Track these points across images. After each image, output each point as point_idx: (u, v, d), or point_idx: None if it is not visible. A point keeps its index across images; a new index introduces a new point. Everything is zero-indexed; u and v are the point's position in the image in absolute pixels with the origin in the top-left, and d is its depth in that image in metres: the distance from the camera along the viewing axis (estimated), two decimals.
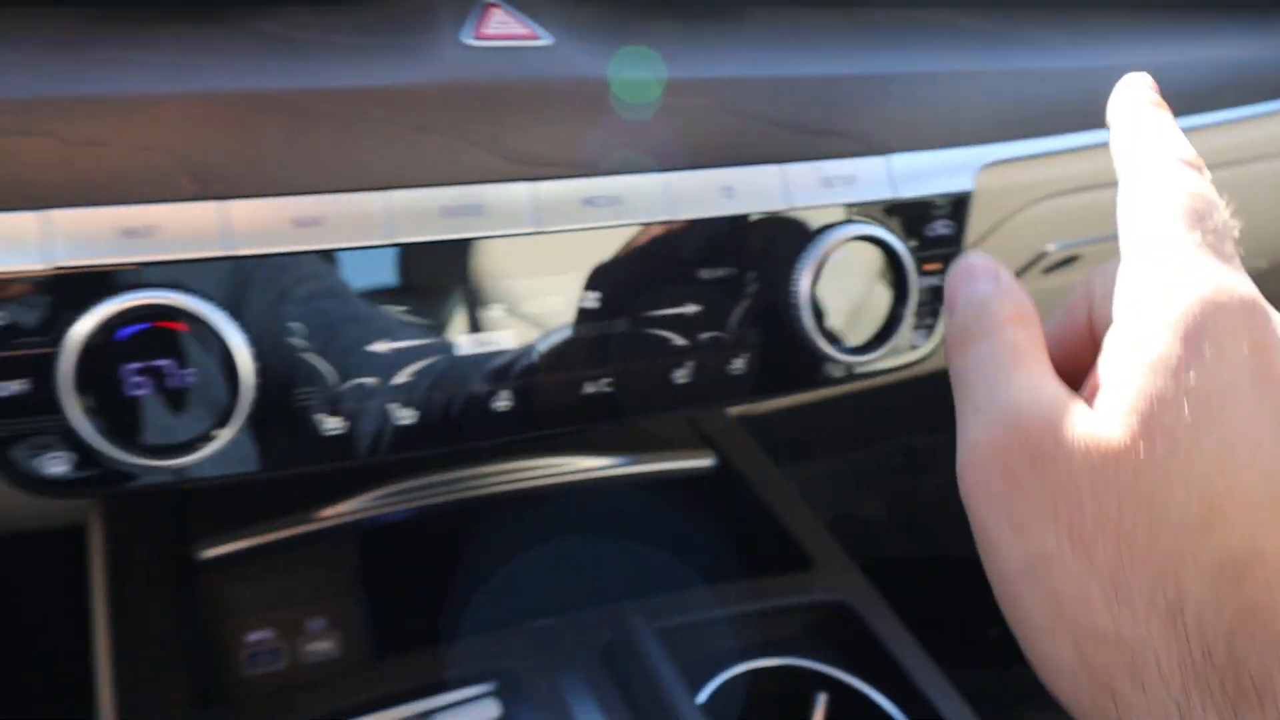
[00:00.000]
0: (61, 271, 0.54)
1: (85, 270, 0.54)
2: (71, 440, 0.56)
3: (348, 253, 0.59)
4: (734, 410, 1.20)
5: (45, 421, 0.56)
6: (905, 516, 2.09)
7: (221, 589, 0.89)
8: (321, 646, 0.89)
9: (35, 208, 0.53)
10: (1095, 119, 0.82)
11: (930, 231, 0.76)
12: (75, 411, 0.55)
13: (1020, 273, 1.00)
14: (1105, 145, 0.85)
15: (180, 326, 0.56)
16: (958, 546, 2.00)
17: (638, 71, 0.65)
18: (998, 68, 0.79)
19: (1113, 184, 0.92)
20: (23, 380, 0.55)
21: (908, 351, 0.77)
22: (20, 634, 1.58)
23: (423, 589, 0.92)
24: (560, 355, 0.66)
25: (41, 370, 0.55)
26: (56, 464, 0.57)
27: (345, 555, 0.91)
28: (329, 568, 0.91)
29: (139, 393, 0.56)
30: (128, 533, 0.88)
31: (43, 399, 0.55)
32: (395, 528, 0.90)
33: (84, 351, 0.54)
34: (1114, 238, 1.04)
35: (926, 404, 2.08)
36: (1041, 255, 0.98)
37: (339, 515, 0.87)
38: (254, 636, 0.89)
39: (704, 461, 0.97)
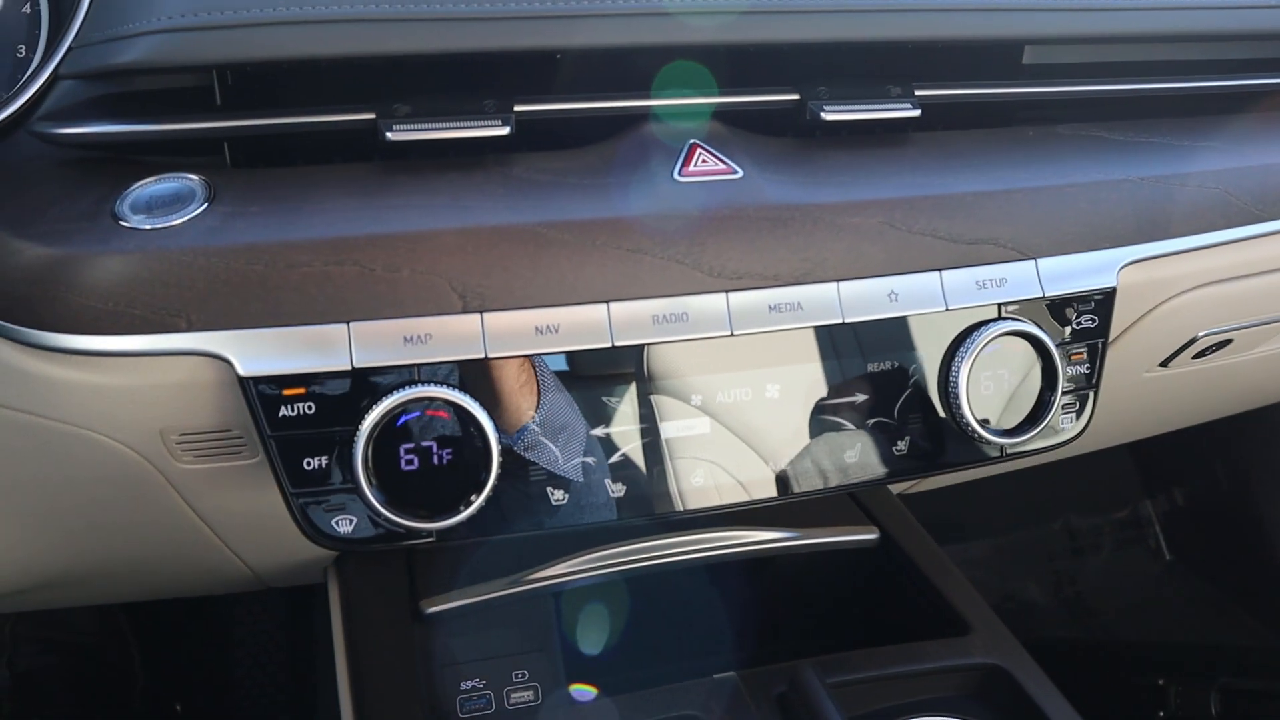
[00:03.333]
0: (359, 370, 0.68)
1: (376, 369, 0.69)
2: (359, 505, 0.71)
3: (577, 354, 0.72)
4: (900, 489, 1.28)
5: (340, 489, 0.70)
6: (1067, 598, 2.08)
7: (439, 641, 1.02)
8: (525, 695, 1.01)
9: (341, 321, 0.68)
10: (1235, 216, 0.89)
11: (1077, 324, 0.84)
12: (364, 483, 0.69)
13: (1171, 358, 1.05)
14: (1248, 239, 0.91)
15: (444, 415, 0.70)
16: (1123, 629, 1.98)
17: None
18: (1138, 174, 0.86)
19: (1260, 274, 0.98)
20: (327, 456, 0.69)
21: (1056, 434, 0.85)
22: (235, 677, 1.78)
23: (612, 645, 1.02)
24: (748, 438, 0.77)
25: (340, 449, 0.69)
26: (345, 524, 0.71)
27: (545, 614, 1.03)
28: (531, 625, 1.03)
29: (410, 468, 0.70)
30: (362, 590, 1.02)
31: (340, 472, 0.69)
32: (589, 591, 1.02)
33: (372, 435, 0.69)
34: (1265, 322, 1.08)
35: (1086, 484, 2.08)
36: (1192, 341, 1.03)
37: (543, 579, 0.99)
38: (467, 684, 1.01)
39: (868, 535, 1.05)
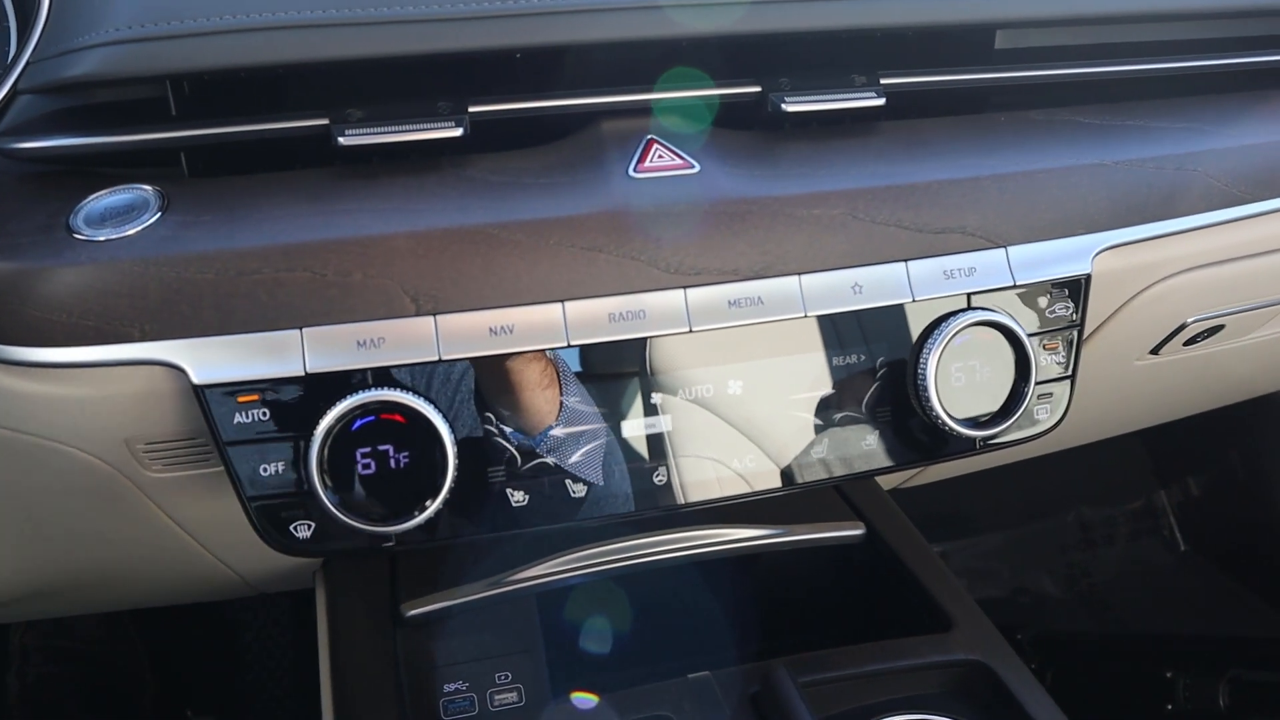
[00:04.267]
0: (312, 375, 0.68)
1: (329, 374, 0.69)
2: (315, 510, 0.71)
3: (534, 354, 0.72)
4: (894, 484, 1.27)
5: (296, 494, 0.70)
6: (1081, 590, 2.05)
7: (422, 643, 1.02)
8: (508, 697, 1.01)
9: (294, 327, 0.68)
10: (1214, 199, 0.88)
11: (1050, 312, 0.82)
12: (319, 487, 0.69)
13: (1161, 345, 1.03)
14: (1231, 222, 0.89)
15: (399, 418, 0.70)
16: (1136, 621, 1.96)
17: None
18: (1113, 159, 0.85)
19: (1248, 257, 0.96)
20: (282, 462, 0.69)
21: (1030, 425, 0.83)
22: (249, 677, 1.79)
23: (593, 645, 1.02)
24: (710, 435, 0.76)
25: (295, 454, 0.69)
26: (304, 529, 0.71)
27: (527, 615, 1.03)
28: (514, 626, 1.02)
29: (366, 472, 0.70)
30: (346, 594, 1.02)
31: (296, 477, 0.69)
32: (570, 591, 1.01)
33: (326, 439, 0.69)
34: (1257, 306, 1.06)
35: (1099, 474, 2.05)
36: (1182, 327, 1.01)
37: (523, 580, 0.99)
38: (450, 687, 1.00)
39: (854, 531, 1.04)
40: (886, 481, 1.20)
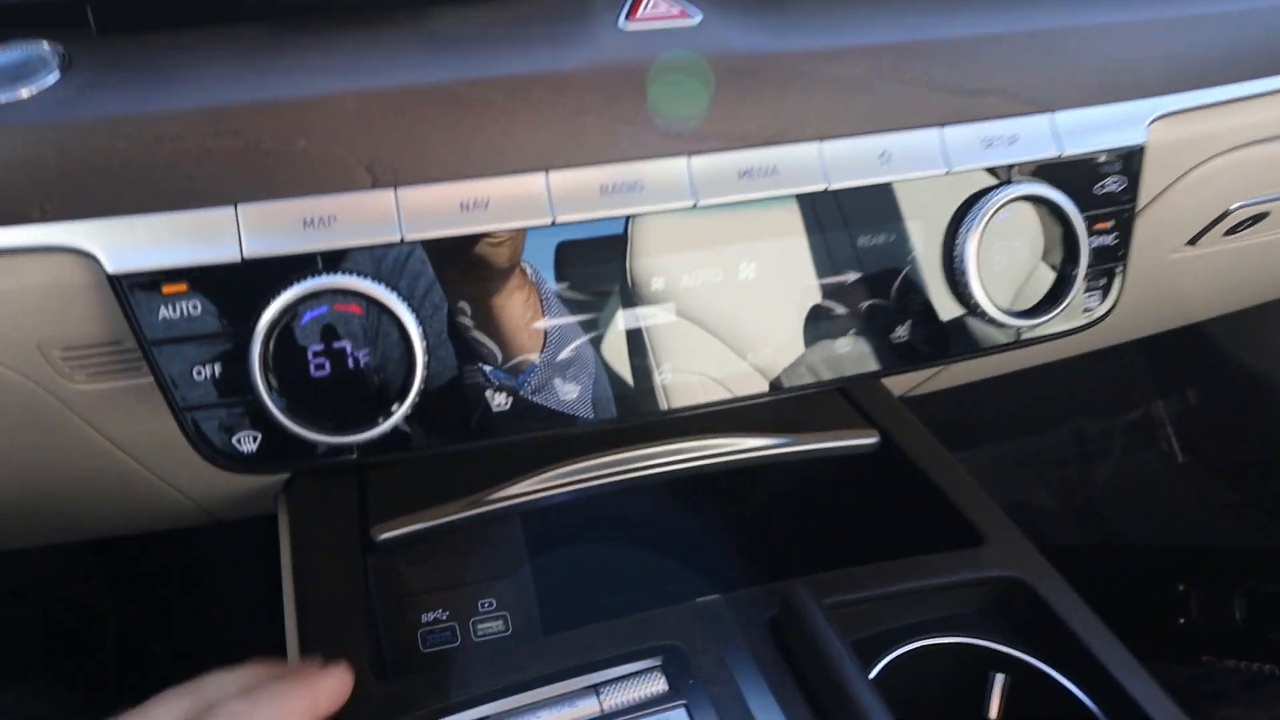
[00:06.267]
0: (250, 261, 0.58)
1: (271, 259, 0.58)
2: (261, 419, 0.61)
3: (512, 233, 0.61)
4: (903, 390, 1.18)
5: (237, 402, 0.60)
6: (1078, 504, 2.00)
7: (398, 570, 0.93)
8: (493, 626, 0.92)
9: (227, 203, 0.57)
10: None
11: (1100, 189, 0.72)
12: (263, 391, 0.59)
13: (1200, 235, 0.95)
14: None
15: (356, 310, 0.59)
16: (1138, 535, 1.90)
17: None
18: (1170, 15, 0.75)
19: None
20: (218, 363, 0.59)
21: (1080, 315, 0.74)
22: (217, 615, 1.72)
23: (587, 569, 0.93)
24: (719, 328, 0.67)
25: (234, 354, 0.59)
26: (247, 441, 0.61)
27: (512, 537, 0.94)
28: (497, 550, 0.94)
29: (320, 373, 0.60)
30: (311, 518, 0.93)
31: (235, 381, 0.59)
32: (559, 510, 0.92)
33: (270, 335, 0.58)
34: None
35: (1097, 384, 1.99)
36: (1224, 214, 0.92)
37: (506, 499, 0.89)
38: (429, 616, 0.92)
39: (867, 440, 0.95)
40: (896, 387, 1.11)
